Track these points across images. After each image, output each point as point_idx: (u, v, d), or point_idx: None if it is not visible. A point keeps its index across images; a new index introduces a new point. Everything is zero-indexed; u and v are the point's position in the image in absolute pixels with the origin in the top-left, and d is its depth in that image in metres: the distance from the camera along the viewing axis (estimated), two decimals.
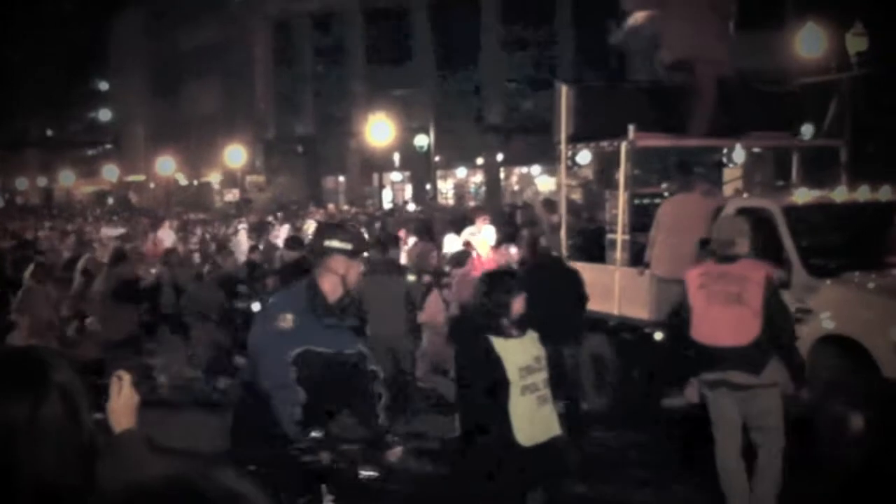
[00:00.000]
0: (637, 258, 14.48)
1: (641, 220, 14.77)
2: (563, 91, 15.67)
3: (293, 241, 14.89)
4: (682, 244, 13.14)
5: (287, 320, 6.58)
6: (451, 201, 59.28)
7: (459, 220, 26.37)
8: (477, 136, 57.01)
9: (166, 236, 26.14)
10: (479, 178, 62.38)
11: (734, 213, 12.86)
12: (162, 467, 2.10)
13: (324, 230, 7.39)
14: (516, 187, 61.27)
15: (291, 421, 6.32)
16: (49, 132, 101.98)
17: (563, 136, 15.79)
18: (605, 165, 17.01)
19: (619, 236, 14.78)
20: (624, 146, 14.66)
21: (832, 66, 24.87)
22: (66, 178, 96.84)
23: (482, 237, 17.93)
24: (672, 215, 13.74)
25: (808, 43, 27.54)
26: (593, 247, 15.58)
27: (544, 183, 55.75)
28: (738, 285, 9.34)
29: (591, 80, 34.41)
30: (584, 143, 15.83)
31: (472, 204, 50.40)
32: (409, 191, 62.93)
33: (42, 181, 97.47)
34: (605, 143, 15.54)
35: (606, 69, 43.17)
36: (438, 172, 59.52)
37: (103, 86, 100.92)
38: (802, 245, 12.19)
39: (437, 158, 54.90)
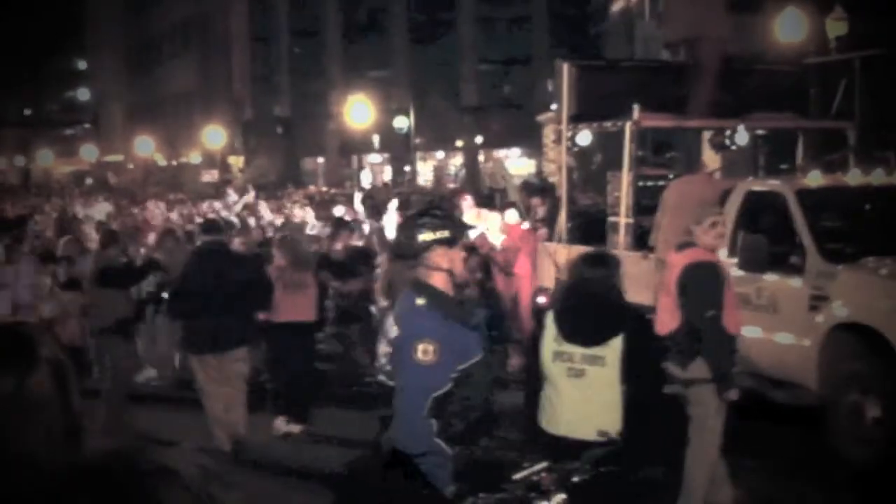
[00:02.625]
0: (640, 241, 14.12)
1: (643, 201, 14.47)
2: (565, 69, 15.25)
3: (210, 225, 13.55)
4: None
5: (427, 351, 5.63)
6: (429, 184, 58.94)
7: (437, 201, 26.10)
8: (456, 118, 56.81)
9: (154, 214, 25.38)
10: (458, 160, 62.18)
11: (745, 196, 12.57)
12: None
13: (410, 223, 6.14)
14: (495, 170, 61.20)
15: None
16: (27, 111, 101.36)
17: (563, 116, 15.39)
18: (591, 147, 16.62)
19: (622, 219, 14.42)
20: (628, 126, 14.27)
21: (811, 51, 24.64)
22: (44, 158, 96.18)
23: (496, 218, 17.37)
24: (678, 197, 13.34)
25: (788, 27, 27.26)
26: (594, 230, 15.19)
27: (522, 166, 55.70)
28: (669, 273, 9.25)
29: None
30: (585, 123, 15.44)
31: (451, 186, 50.28)
32: (388, 172, 62.66)
33: (20, 160, 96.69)
34: (608, 124, 15.16)
35: (581, 47, 43.09)
36: (418, 154, 59.36)
37: (81, 65, 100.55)
38: (816, 229, 11.78)
39: (416, 140, 54.67)
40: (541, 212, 17.70)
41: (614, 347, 6.93)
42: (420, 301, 5.79)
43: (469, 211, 17.58)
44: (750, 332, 11.71)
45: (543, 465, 5.23)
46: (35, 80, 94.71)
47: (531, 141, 46.43)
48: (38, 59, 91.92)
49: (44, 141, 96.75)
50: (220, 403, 11.82)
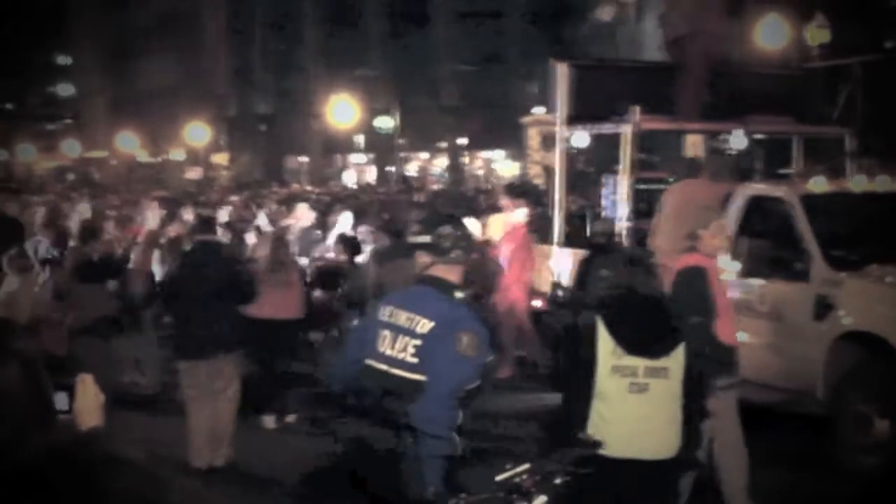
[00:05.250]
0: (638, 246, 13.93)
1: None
2: (562, 69, 15.04)
3: (204, 223, 12.90)
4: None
5: (471, 344, 5.79)
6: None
7: (423, 202, 25.94)
8: (440, 119, 56.66)
9: (152, 218, 24.50)
10: (443, 161, 61.99)
11: (746, 201, 12.38)
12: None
13: (451, 222, 6.34)
14: (479, 172, 61.03)
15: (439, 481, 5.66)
16: (8, 106, 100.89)
17: (560, 117, 15.19)
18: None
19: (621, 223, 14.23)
20: (628, 129, 14.06)
21: (793, 59, 24.55)
22: (26, 153, 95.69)
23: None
24: (678, 202, 13.14)
25: (770, 34, 27.14)
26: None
27: (506, 168, 55.67)
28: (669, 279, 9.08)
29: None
30: (583, 124, 15.25)
31: (435, 187, 50.14)
32: (372, 173, 62.45)
33: (2, 155, 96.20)
34: (606, 125, 14.95)
35: (566, 49, 42.98)
36: (402, 155, 59.19)
37: (64, 60, 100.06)
38: (821, 236, 11.57)
39: (400, 141, 54.52)
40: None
41: (678, 357, 6.51)
42: (457, 295, 6.00)
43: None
44: (753, 339, 11.55)
45: (526, 466, 5.08)
46: (17, 75, 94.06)
47: (516, 143, 46.22)
48: (20, 53, 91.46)
49: (25, 136, 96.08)
50: (206, 414, 11.43)
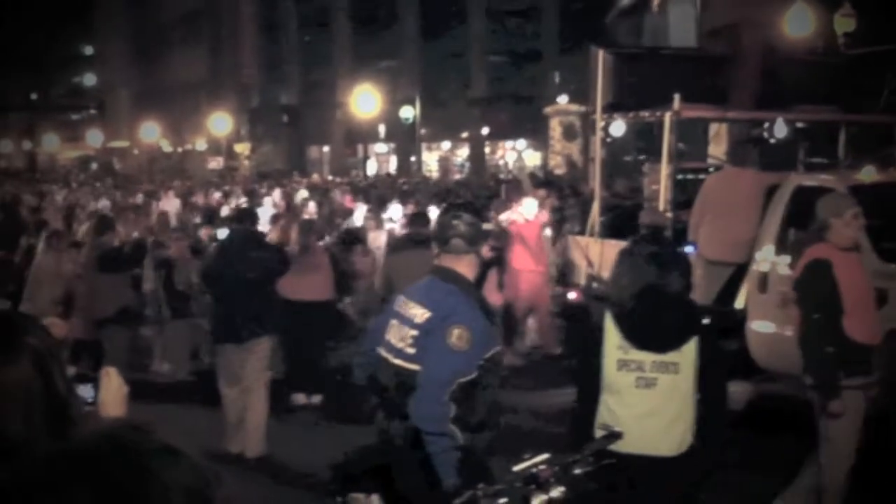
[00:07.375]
0: (679, 237, 13.61)
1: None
2: (600, 56, 14.72)
3: (242, 213, 13.44)
4: (734, 224, 12.28)
5: (462, 338, 5.68)
6: (435, 174, 58.58)
7: (443, 192, 25.79)
8: (462, 109, 56.55)
9: (171, 207, 24.43)
10: (465, 151, 61.87)
11: (794, 192, 12.04)
12: None
13: (462, 212, 6.18)
14: (501, 161, 60.90)
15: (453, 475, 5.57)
16: (33, 96, 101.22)
17: (598, 105, 14.87)
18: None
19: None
20: (668, 117, 13.73)
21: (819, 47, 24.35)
22: (50, 142, 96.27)
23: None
24: (722, 192, 12.81)
25: (796, 23, 26.86)
26: (627, 224, 14.66)
27: (528, 158, 55.64)
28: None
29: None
30: (621, 113, 14.94)
31: (457, 177, 50.12)
32: (393, 162, 62.37)
33: (26, 145, 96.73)
34: (645, 114, 14.64)
35: (590, 41, 42.76)
36: (423, 145, 59.13)
37: (88, 50, 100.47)
38: (871, 227, 11.21)
39: (422, 131, 54.39)
40: (547, 204, 17.23)
41: (688, 352, 6.18)
42: (452, 287, 5.91)
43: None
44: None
45: (545, 456, 4.81)
46: (41, 65, 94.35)
47: (537, 133, 46.21)
48: (45, 43, 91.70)
49: (50, 126, 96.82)
50: (237, 406, 11.57)
